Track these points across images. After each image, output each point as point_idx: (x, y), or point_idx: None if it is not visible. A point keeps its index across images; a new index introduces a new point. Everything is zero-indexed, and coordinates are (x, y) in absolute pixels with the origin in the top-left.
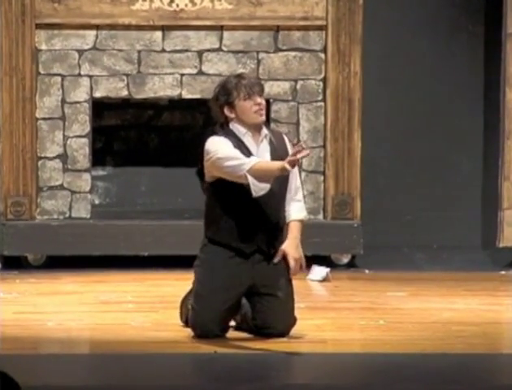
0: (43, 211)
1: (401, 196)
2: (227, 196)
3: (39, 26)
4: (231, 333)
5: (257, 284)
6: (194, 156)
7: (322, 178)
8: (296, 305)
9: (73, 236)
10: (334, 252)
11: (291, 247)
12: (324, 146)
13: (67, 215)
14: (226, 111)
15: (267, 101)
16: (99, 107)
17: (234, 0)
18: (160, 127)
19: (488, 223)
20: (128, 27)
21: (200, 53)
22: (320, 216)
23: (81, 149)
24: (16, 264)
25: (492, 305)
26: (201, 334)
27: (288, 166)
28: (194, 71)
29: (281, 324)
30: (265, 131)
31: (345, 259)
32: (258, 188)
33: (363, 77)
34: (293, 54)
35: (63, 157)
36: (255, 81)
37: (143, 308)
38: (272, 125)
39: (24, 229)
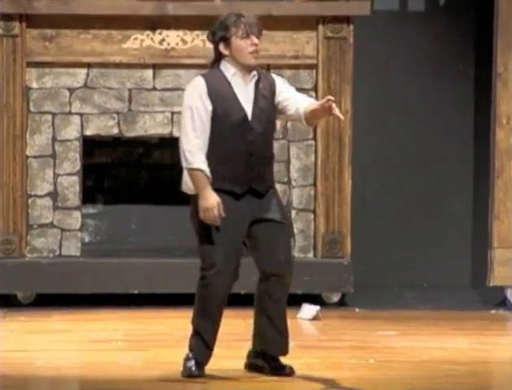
0: (33, 249)
1: (392, 234)
2: (215, 139)
3: (30, 64)
4: (221, 371)
5: (256, 217)
6: (185, 194)
7: (312, 216)
8: None
9: (63, 274)
10: (324, 290)
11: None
12: (315, 184)
13: (57, 253)
14: (221, 48)
15: None
16: (90, 145)
17: None
18: (151, 165)
19: (478, 261)
20: (118, 65)
21: None
22: (310, 254)
23: (72, 187)
24: (6, 302)
25: (482, 345)
26: (215, 275)
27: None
28: None
29: (283, 254)
30: (254, 72)
31: (336, 298)
32: (185, 184)
33: (354, 116)
34: None
35: (54, 195)
36: (255, 21)
37: (133, 346)
38: None
39: (14, 267)
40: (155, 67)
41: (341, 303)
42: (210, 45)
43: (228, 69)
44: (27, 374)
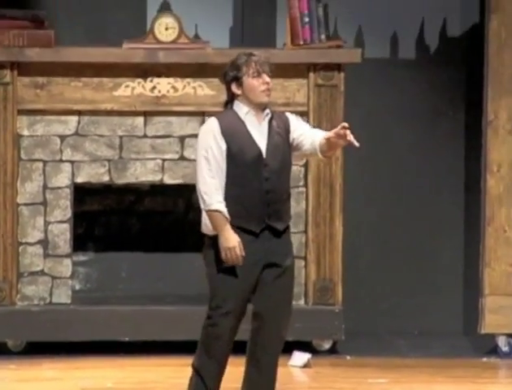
0: (23, 297)
1: (383, 282)
2: (231, 178)
3: (21, 112)
4: None
5: (270, 261)
6: (176, 241)
7: (303, 263)
8: None
9: (54, 321)
10: (315, 337)
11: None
12: (306, 231)
13: (48, 301)
14: (233, 88)
15: None
16: (81, 192)
17: (216, 87)
18: (142, 213)
19: (469, 309)
20: (109, 113)
21: (182, 138)
22: (301, 301)
23: (62, 235)
24: None
25: None
26: (222, 316)
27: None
28: (176, 156)
29: (284, 304)
30: (267, 110)
31: (327, 345)
32: (204, 225)
33: (345, 163)
34: None
35: (44, 242)
36: (265, 60)
37: None
38: None
39: (4, 315)
40: (146, 114)
41: (332, 350)
42: (200, 93)
43: (241, 108)
44: None
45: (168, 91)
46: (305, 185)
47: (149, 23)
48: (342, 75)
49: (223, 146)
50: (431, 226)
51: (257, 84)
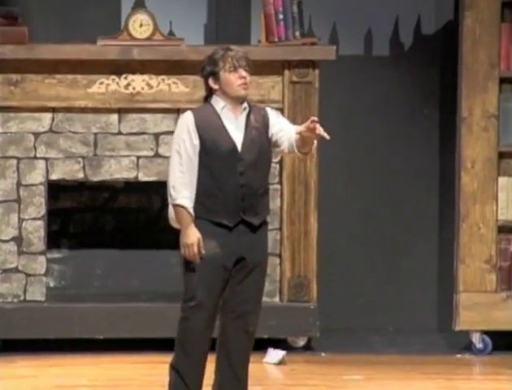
0: None
1: (357, 279)
2: (206, 171)
3: None
4: None
5: (242, 255)
6: (150, 238)
7: (278, 260)
8: (252, 389)
9: (28, 319)
10: (290, 334)
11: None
12: (281, 229)
13: (22, 298)
14: (210, 82)
15: None
16: (55, 190)
17: (191, 83)
18: (116, 210)
19: (443, 306)
20: (84, 109)
21: (156, 135)
22: (276, 298)
23: (36, 232)
24: None
25: (449, 389)
26: (194, 308)
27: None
28: (151, 153)
29: (253, 301)
30: (245, 104)
31: (301, 342)
32: (171, 219)
33: (319, 160)
34: None
35: (18, 239)
36: (242, 55)
37: None
38: None
39: None
40: (121, 111)
41: (307, 347)
42: (175, 90)
43: (218, 103)
44: None
45: (143, 88)
46: (280, 182)
47: (124, 20)
48: (317, 72)
49: (196, 141)
50: (406, 223)
51: (233, 78)
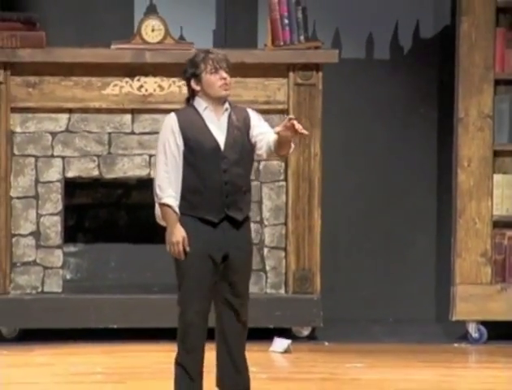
0: (16, 286)
1: (359, 271)
2: (191, 170)
3: (14, 110)
4: None
5: (228, 251)
6: (162, 233)
7: (283, 254)
8: (258, 376)
9: (45, 309)
10: (295, 325)
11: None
12: (286, 224)
13: (40, 290)
14: (192, 84)
15: None
16: (71, 187)
17: None
18: (129, 206)
19: (441, 297)
20: (99, 110)
21: None
22: (282, 290)
23: (54, 227)
24: None
25: (447, 376)
26: (187, 302)
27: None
28: None
29: (241, 293)
30: (227, 105)
31: (306, 332)
32: (157, 217)
33: (323, 158)
34: None
35: (36, 234)
36: (222, 57)
37: (112, 379)
38: None
39: None
40: (134, 112)
41: (311, 337)
42: (185, 91)
43: (200, 104)
44: None
45: (155, 90)
46: (285, 179)
47: (137, 25)
48: (320, 74)
49: (180, 141)
50: (406, 218)
51: (214, 79)
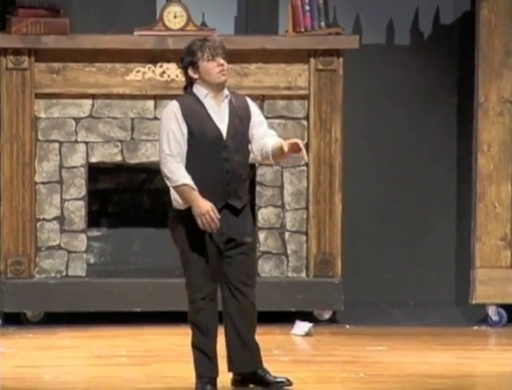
0: (41, 270)
1: (380, 255)
2: (192, 158)
3: (38, 96)
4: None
5: (230, 236)
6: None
7: (305, 238)
8: (280, 359)
9: (69, 293)
10: (316, 308)
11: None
12: (307, 208)
13: (64, 274)
14: (190, 72)
15: (253, 166)
16: (95, 172)
17: None
18: (152, 191)
19: (461, 281)
20: (122, 96)
21: None
22: (303, 274)
23: (78, 211)
24: (16, 320)
25: (466, 359)
26: (195, 287)
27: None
28: None
29: (244, 275)
30: (226, 92)
31: (327, 315)
32: (174, 201)
33: (344, 143)
34: (278, 121)
35: (61, 218)
36: (219, 44)
37: (135, 361)
38: (258, 188)
39: (23, 287)
40: (156, 97)
41: (332, 320)
42: None
43: (200, 91)
44: (35, 389)
45: (177, 76)
46: (307, 164)
47: (159, 12)
48: (341, 60)
49: (185, 128)
50: (426, 203)
51: (211, 66)
